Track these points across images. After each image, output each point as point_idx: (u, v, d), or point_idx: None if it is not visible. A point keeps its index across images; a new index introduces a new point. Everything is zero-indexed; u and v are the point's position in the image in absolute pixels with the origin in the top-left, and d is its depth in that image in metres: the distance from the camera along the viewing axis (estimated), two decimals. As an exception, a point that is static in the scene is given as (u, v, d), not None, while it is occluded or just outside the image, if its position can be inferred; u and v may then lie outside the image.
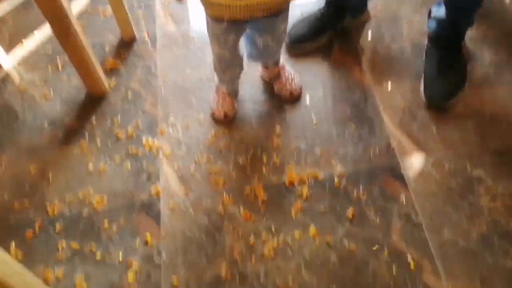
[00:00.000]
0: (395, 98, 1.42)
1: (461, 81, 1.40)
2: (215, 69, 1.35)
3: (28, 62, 1.59)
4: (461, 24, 1.41)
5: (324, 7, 1.56)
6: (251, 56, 1.36)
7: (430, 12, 1.46)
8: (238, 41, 1.24)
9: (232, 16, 1.09)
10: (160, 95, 1.49)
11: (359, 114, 1.39)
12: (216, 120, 1.40)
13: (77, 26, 1.28)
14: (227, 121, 1.39)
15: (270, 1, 1.08)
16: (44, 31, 1.69)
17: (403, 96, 1.41)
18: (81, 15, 1.73)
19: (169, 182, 1.31)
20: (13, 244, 1.25)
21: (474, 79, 1.42)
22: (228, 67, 1.32)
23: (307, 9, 1.62)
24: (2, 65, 1.59)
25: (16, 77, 1.59)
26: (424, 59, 1.46)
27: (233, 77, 1.38)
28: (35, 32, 1.69)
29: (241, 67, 1.35)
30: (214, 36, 1.20)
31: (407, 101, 1.40)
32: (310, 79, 1.49)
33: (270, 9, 1.10)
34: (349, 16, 1.57)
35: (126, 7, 1.55)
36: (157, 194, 1.29)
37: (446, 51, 1.41)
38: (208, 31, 1.20)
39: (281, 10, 1.15)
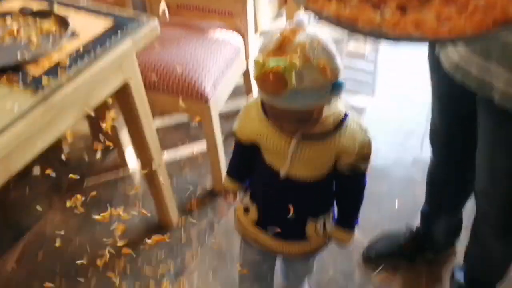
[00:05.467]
0: None
1: None
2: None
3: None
4: None
5: (408, 236, 1.55)
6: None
7: (453, 273, 1.45)
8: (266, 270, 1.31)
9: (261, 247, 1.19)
10: (202, 251, 1.64)
11: None
12: None
13: (162, 176, 1.56)
14: None
15: (296, 252, 1.16)
16: (173, 153, 2.00)
17: None
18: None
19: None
20: None
21: None
22: (244, 282, 1.36)
23: (391, 224, 1.66)
24: (130, 165, 1.95)
25: (133, 179, 1.93)
26: None
27: None
28: (165, 151, 1.95)
29: None
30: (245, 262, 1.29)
31: None
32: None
33: (296, 255, 1.18)
34: (431, 253, 1.55)
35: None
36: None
37: None
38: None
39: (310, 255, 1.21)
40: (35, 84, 1.05)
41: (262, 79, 0.82)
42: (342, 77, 0.89)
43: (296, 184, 1.03)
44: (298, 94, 0.83)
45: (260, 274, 1.32)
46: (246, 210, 1.16)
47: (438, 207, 1.42)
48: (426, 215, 1.47)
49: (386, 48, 2.37)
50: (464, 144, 1.17)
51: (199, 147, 2.03)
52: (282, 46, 0.83)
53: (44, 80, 1.06)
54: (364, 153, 1.00)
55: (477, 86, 0.91)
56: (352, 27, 0.70)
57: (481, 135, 1.02)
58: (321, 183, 1.05)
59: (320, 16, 0.74)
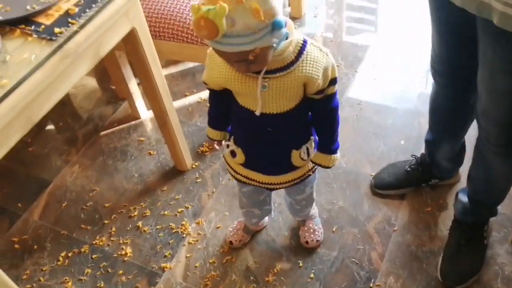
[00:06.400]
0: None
1: (477, 267, 1.42)
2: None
3: (156, 122, 1.74)
4: (484, 214, 1.44)
5: (413, 164, 1.59)
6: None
7: (457, 194, 1.47)
8: (261, 198, 1.39)
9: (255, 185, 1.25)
10: (217, 191, 1.70)
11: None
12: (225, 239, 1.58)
13: (174, 121, 1.62)
14: (231, 247, 1.55)
15: (287, 181, 1.22)
16: (181, 101, 2.05)
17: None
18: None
19: (177, 265, 1.55)
20: (63, 253, 1.60)
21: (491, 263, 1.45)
22: (245, 207, 1.44)
23: (396, 153, 1.74)
24: (141, 115, 2.00)
25: (145, 128, 1.97)
26: (448, 234, 1.48)
27: (249, 217, 1.47)
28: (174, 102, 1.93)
29: (259, 217, 1.48)
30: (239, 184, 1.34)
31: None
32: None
33: (287, 185, 1.24)
34: (436, 179, 1.60)
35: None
36: (164, 269, 1.54)
37: (468, 237, 1.42)
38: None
39: (299, 182, 1.25)
40: (49, 33, 1.09)
41: (196, 24, 0.83)
42: (280, 15, 0.88)
43: (272, 119, 1.07)
44: (232, 38, 0.84)
45: (258, 202, 1.40)
46: (233, 154, 1.20)
47: (441, 133, 1.47)
48: (430, 142, 1.53)
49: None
50: (464, 69, 1.20)
51: (206, 94, 2.07)
52: None
53: (57, 29, 1.09)
54: (329, 76, 1.03)
55: (477, 8, 0.93)
56: None
57: (481, 57, 1.05)
58: (296, 113, 1.08)
59: None
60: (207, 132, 1.24)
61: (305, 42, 0.99)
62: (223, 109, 1.16)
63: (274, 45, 0.92)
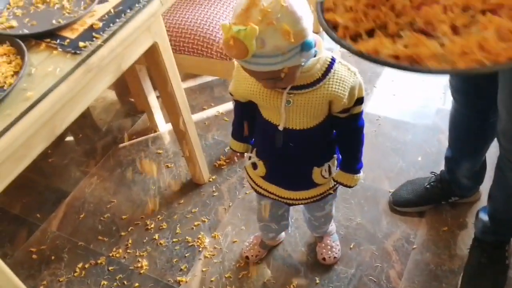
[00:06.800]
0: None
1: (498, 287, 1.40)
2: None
3: (174, 135, 1.77)
4: (505, 233, 1.42)
5: (433, 182, 1.58)
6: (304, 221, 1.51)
7: (478, 213, 1.46)
8: (280, 213, 1.38)
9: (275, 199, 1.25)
10: (234, 205, 1.71)
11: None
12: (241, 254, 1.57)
13: (192, 134, 1.64)
14: (247, 261, 1.55)
15: (306, 197, 1.22)
16: (199, 115, 2.06)
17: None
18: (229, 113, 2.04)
19: (193, 279, 1.54)
20: (80, 264, 1.60)
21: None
22: (263, 221, 1.42)
23: (416, 169, 1.73)
24: (159, 128, 2.02)
25: (164, 140, 1.99)
26: (468, 253, 1.46)
27: (266, 231, 1.46)
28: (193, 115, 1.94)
29: (276, 231, 1.46)
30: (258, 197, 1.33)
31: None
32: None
33: (307, 201, 1.24)
34: (456, 196, 1.59)
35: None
36: (179, 283, 1.54)
37: (489, 255, 1.40)
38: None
39: (319, 200, 1.24)
40: (73, 47, 1.11)
41: (226, 44, 0.84)
42: (310, 36, 0.88)
43: (295, 134, 1.06)
44: (261, 58, 0.85)
45: (276, 217, 1.39)
46: (255, 166, 1.20)
47: (461, 151, 1.45)
48: (450, 159, 1.51)
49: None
50: (482, 88, 1.19)
51: (223, 108, 2.08)
52: (248, 9, 0.83)
53: (81, 43, 1.11)
54: (355, 96, 1.03)
55: None
56: (415, 66, 0.61)
57: (501, 78, 1.04)
58: (319, 130, 1.07)
59: (377, 61, 0.67)
60: (230, 143, 1.25)
61: (333, 60, 0.99)
62: (248, 121, 1.17)
63: (303, 64, 0.93)
